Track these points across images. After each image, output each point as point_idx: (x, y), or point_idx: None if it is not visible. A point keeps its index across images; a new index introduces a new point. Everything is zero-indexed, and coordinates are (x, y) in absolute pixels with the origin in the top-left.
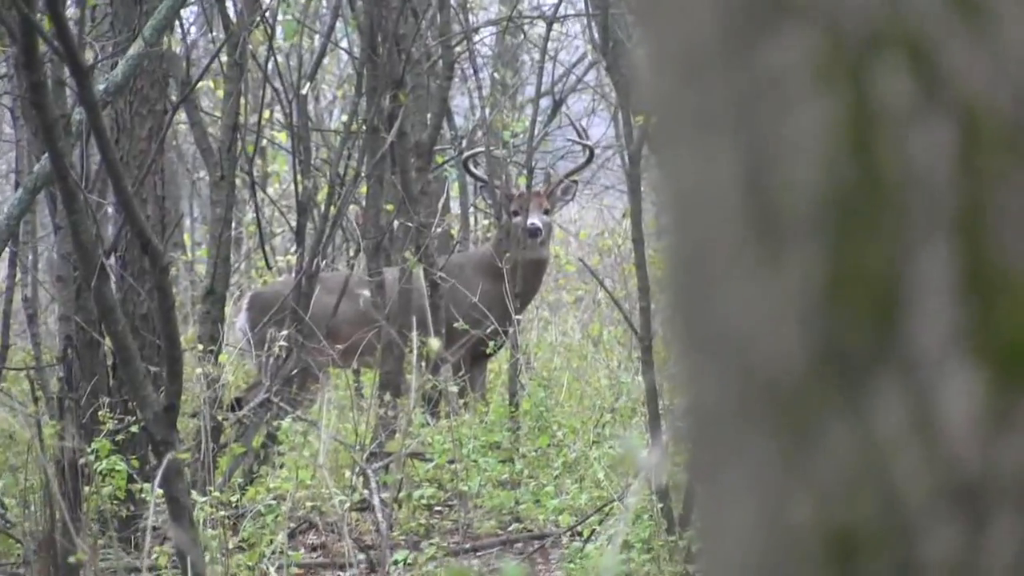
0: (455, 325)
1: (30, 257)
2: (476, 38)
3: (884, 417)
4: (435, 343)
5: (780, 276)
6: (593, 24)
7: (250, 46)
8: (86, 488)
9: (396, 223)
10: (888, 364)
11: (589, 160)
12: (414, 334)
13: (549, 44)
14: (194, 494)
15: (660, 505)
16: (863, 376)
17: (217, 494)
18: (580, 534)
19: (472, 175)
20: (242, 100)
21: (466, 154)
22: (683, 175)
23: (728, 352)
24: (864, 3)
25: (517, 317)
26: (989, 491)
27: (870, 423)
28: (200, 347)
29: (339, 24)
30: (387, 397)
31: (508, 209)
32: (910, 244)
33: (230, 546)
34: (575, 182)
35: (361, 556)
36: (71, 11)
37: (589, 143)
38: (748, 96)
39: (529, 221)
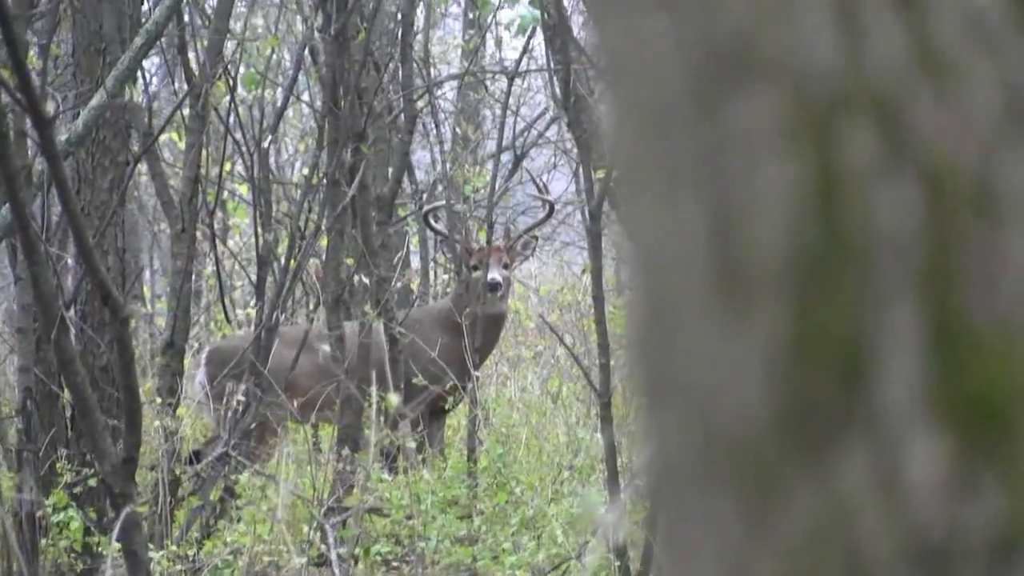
0: (414, 380)
1: None
2: (438, 92)
3: (848, 477)
4: (394, 398)
5: (745, 333)
6: (555, 79)
7: (212, 98)
8: (43, 540)
9: (356, 277)
10: (853, 423)
11: (549, 215)
12: (373, 389)
13: (511, 99)
14: (151, 548)
15: (618, 563)
16: (828, 435)
17: (174, 547)
18: None
19: (432, 229)
20: (203, 152)
21: (426, 208)
22: (648, 230)
23: (691, 408)
24: (829, 63)
25: (476, 373)
26: (954, 553)
27: (834, 483)
28: (159, 400)
29: (301, 77)
30: (345, 452)
31: (468, 263)
32: (876, 303)
33: None
34: (535, 237)
35: None
36: (33, 61)
37: (549, 198)
38: (714, 154)
39: (489, 275)
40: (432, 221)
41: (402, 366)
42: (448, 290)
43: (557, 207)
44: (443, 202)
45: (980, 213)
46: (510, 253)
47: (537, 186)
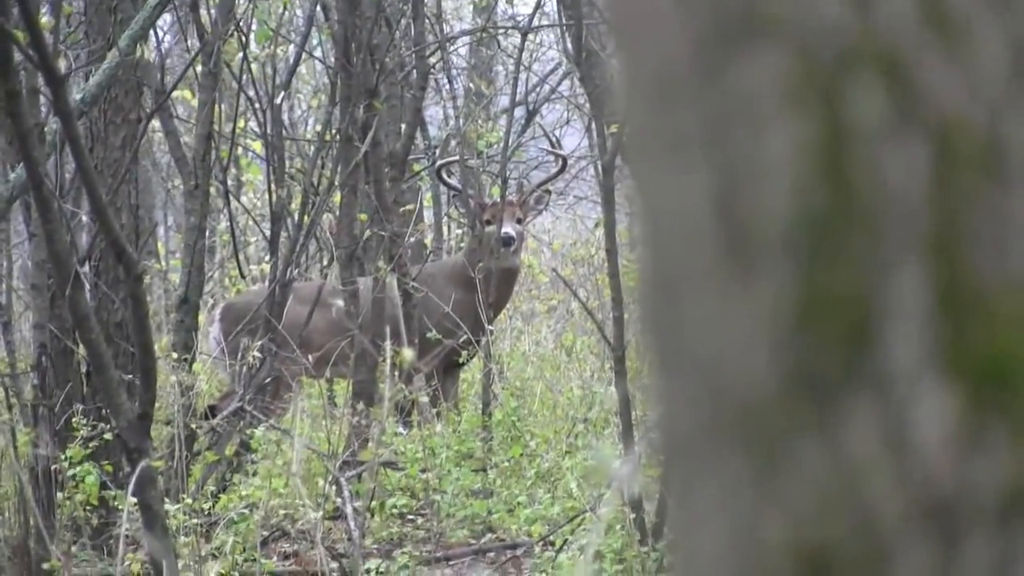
0: (428, 335)
1: (4, 265)
2: (450, 48)
3: (857, 437)
4: (408, 353)
5: (751, 297)
6: (567, 35)
7: (224, 55)
8: (59, 495)
9: (369, 232)
10: (861, 384)
11: (562, 170)
12: (387, 343)
13: (523, 55)
14: (167, 502)
15: (633, 516)
16: (836, 397)
17: (190, 502)
18: (552, 544)
19: (446, 184)
20: (216, 109)
21: (439, 163)
22: (656, 194)
23: (699, 372)
24: (836, 21)
25: (489, 327)
26: (963, 510)
27: (843, 443)
28: (174, 355)
29: (313, 33)
30: (360, 406)
31: (481, 218)
32: (883, 265)
33: (203, 554)
34: (548, 192)
35: (334, 564)
36: (45, 19)
37: (562, 153)
38: (720, 116)
39: (503, 230)
40: (445, 176)
41: (416, 321)
42: (462, 245)
43: (570, 162)
44: (456, 158)
45: (988, 173)
46: (523, 208)
47: (550, 141)
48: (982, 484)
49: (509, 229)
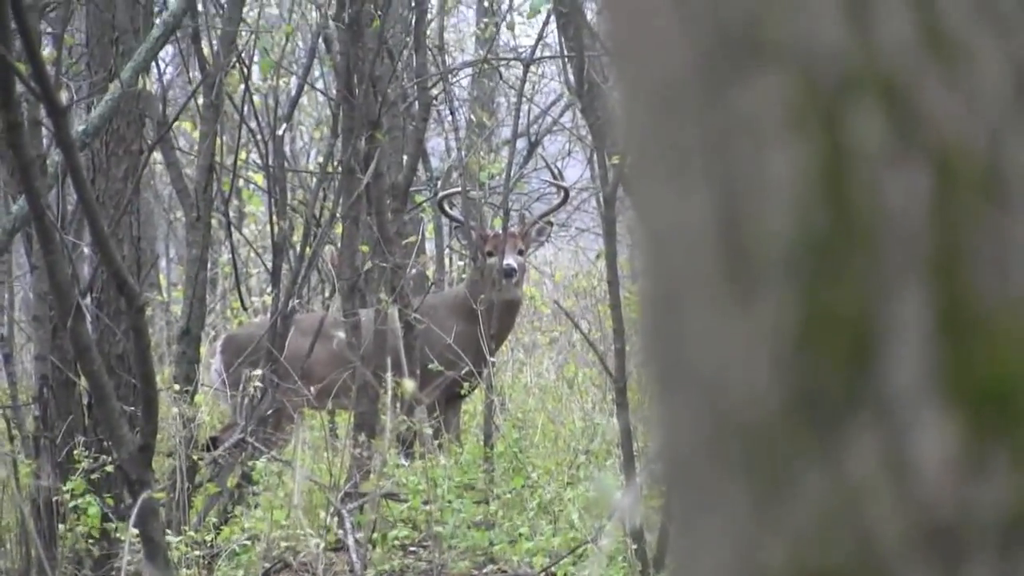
0: (429, 366)
1: (6, 297)
2: (452, 80)
3: (858, 460)
4: (409, 384)
5: (752, 319)
6: (569, 66)
7: (226, 87)
8: (61, 527)
9: (371, 264)
10: (862, 407)
11: (564, 201)
12: (388, 375)
13: (525, 86)
14: (169, 533)
15: (634, 547)
16: (836, 419)
17: (192, 533)
18: (554, 575)
19: (447, 216)
20: (218, 141)
21: (441, 195)
22: (656, 215)
23: (700, 395)
24: (837, 46)
25: (491, 359)
26: (964, 534)
27: (843, 467)
28: (176, 387)
29: (315, 65)
30: (361, 438)
31: (483, 250)
32: (884, 287)
33: None
34: (550, 223)
35: None
36: (47, 51)
37: (564, 184)
38: (721, 138)
39: (504, 262)
40: (447, 208)
41: (417, 352)
42: (463, 276)
43: (572, 193)
44: (458, 189)
45: (989, 196)
46: (525, 239)
47: (552, 172)
48: (983, 507)
49: (511, 261)
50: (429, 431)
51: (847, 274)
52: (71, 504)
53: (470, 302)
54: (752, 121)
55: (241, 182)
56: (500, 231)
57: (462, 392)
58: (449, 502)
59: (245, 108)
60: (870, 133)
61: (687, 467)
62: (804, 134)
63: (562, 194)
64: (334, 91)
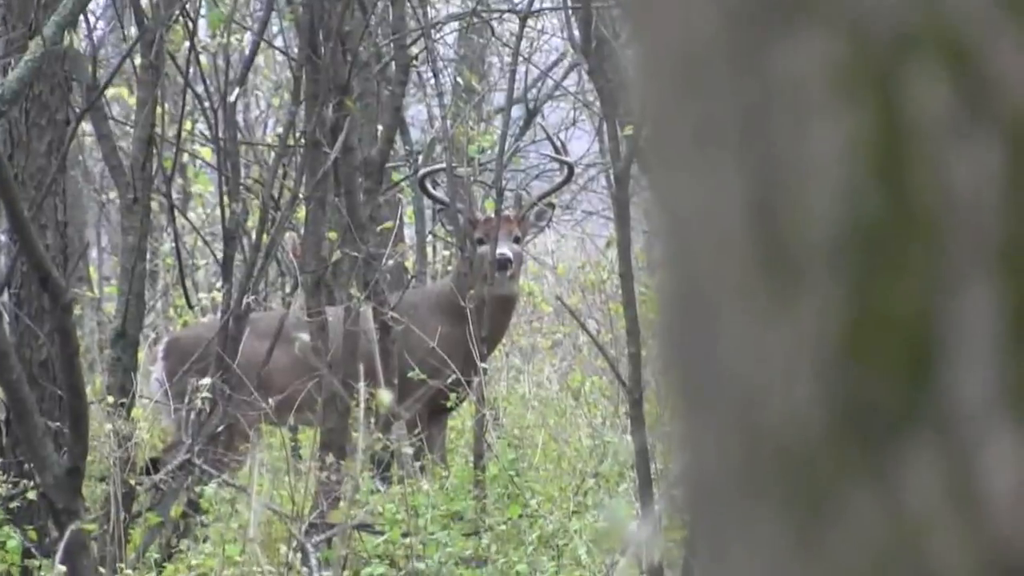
0: (409, 375)
1: None
2: (436, 36)
3: (916, 487)
4: (386, 396)
5: (793, 321)
6: (573, 20)
7: (168, 45)
8: None
9: (340, 254)
10: (921, 424)
11: (568, 179)
12: (361, 385)
13: (522, 43)
14: (102, 572)
15: None
16: (891, 438)
17: (129, 572)
18: None
19: (431, 197)
20: (158, 109)
21: (423, 172)
22: (680, 201)
23: (732, 410)
24: (894, 1)
25: (483, 365)
26: None
27: (899, 494)
28: (109, 399)
29: (273, 19)
30: (329, 459)
31: (472, 237)
32: (947, 283)
33: None
34: (551, 206)
35: None
36: None
37: (568, 160)
38: (757, 109)
39: (498, 251)
40: (430, 187)
41: (395, 358)
42: (449, 269)
43: (577, 170)
44: (443, 165)
45: None
46: (522, 225)
47: (554, 145)
48: None
49: (505, 249)
50: (410, 451)
51: (904, 268)
52: None
53: (457, 299)
54: (793, 88)
55: (186, 157)
56: (492, 215)
57: (448, 405)
58: (432, 534)
59: (190, 70)
60: (932, 102)
61: (715, 494)
62: (854, 103)
63: (565, 171)
64: (295, 50)
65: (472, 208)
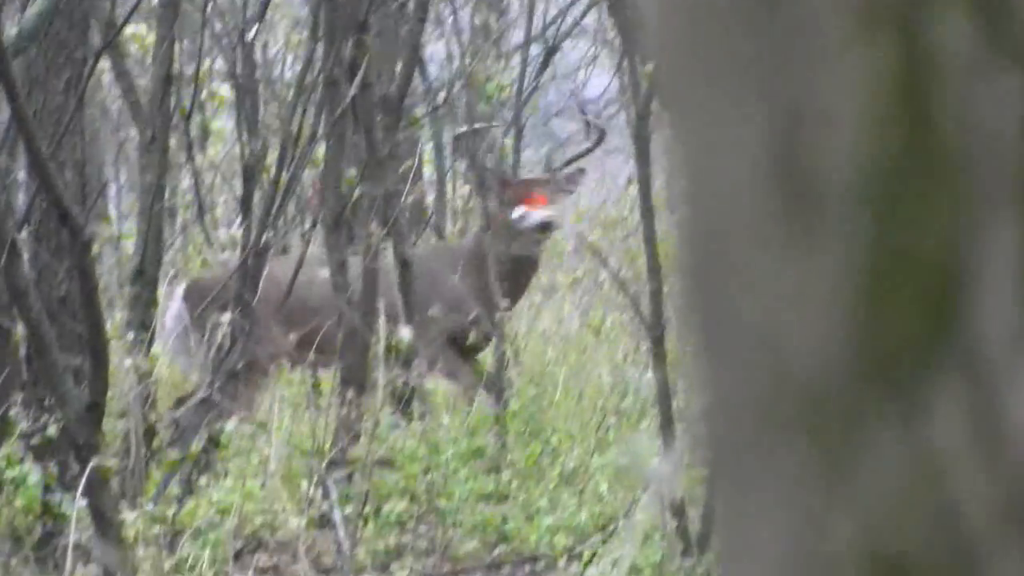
0: (430, 311)
1: None
2: None
3: (941, 425)
4: (406, 332)
5: (816, 259)
6: None
7: None
8: None
9: (359, 191)
10: (946, 362)
11: (598, 143)
12: (381, 320)
13: None
14: (122, 508)
15: (674, 523)
16: (916, 377)
17: (150, 508)
18: (579, 557)
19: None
20: (176, 46)
21: (457, 133)
22: (698, 138)
23: (754, 349)
24: None
25: (503, 302)
26: None
27: (924, 432)
28: (129, 336)
29: None
30: (350, 395)
31: (503, 197)
32: (973, 220)
33: (166, 568)
34: (582, 170)
35: None
36: None
37: (599, 123)
38: (777, 43)
39: (541, 214)
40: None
41: (415, 295)
42: (468, 207)
43: (597, 107)
44: (480, 124)
45: None
46: (552, 188)
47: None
48: None
49: (550, 212)
50: (430, 387)
51: (927, 205)
52: (8, 473)
53: (476, 261)
54: (813, 22)
55: (204, 95)
56: (523, 179)
57: (469, 342)
58: (454, 471)
59: (208, 7)
60: (957, 36)
61: (737, 432)
62: (876, 37)
63: (597, 135)
64: None
65: (502, 168)
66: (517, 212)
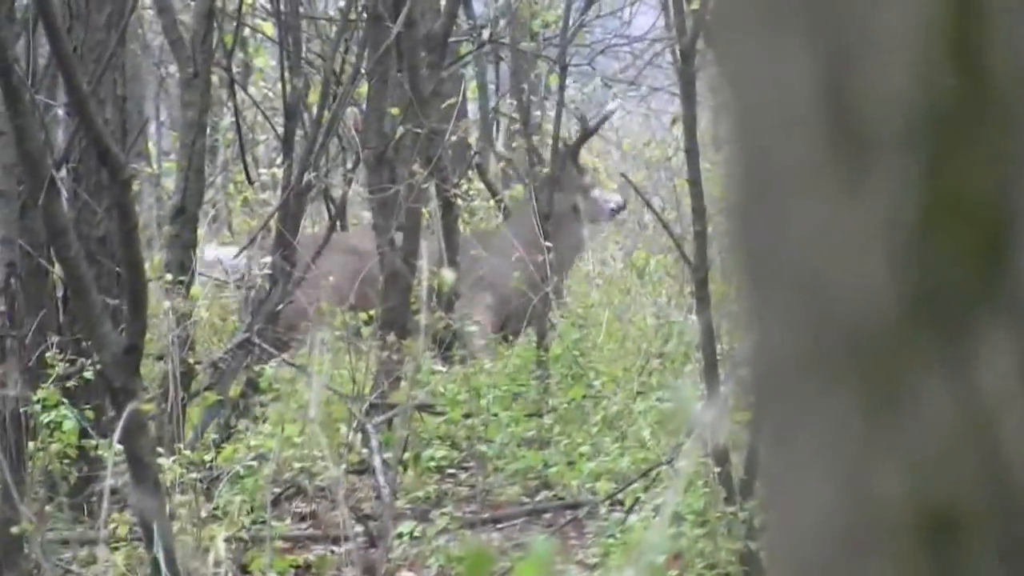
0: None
1: None
2: None
3: (990, 369)
4: (448, 274)
5: (865, 201)
6: None
7: None
8: (31, 444)
9: (402, 130)
10: (995, 306)
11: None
12: (423, 262)
13: None
14: (159, 452)
15: (717, 470)
16: (965, 321)
17: (187, 453)
18: (621, 503)
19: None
20: None
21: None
22: (747, 79)
23: (802, 291)
24: None
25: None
26: None
27: (973, 377)
28: (168, 277)
29: None
30: (390, 338)
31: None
32: (1021, 162)
33: (203, 515)
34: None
35: (359, 528)
36: None
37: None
38: None
39: (614, 199)
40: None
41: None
42: (513, 146)
43: (642, 45)
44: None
45: None
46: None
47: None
48: None
49: (618, 196)
50: (472, 330)
51: (978, 148)
52: (43, 418)
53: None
54: None
55: (247, 31)
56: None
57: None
58: (495, 415)
59: None
60: None
61: (784, 376)
62: None
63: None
64: None
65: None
66: (594, 194)
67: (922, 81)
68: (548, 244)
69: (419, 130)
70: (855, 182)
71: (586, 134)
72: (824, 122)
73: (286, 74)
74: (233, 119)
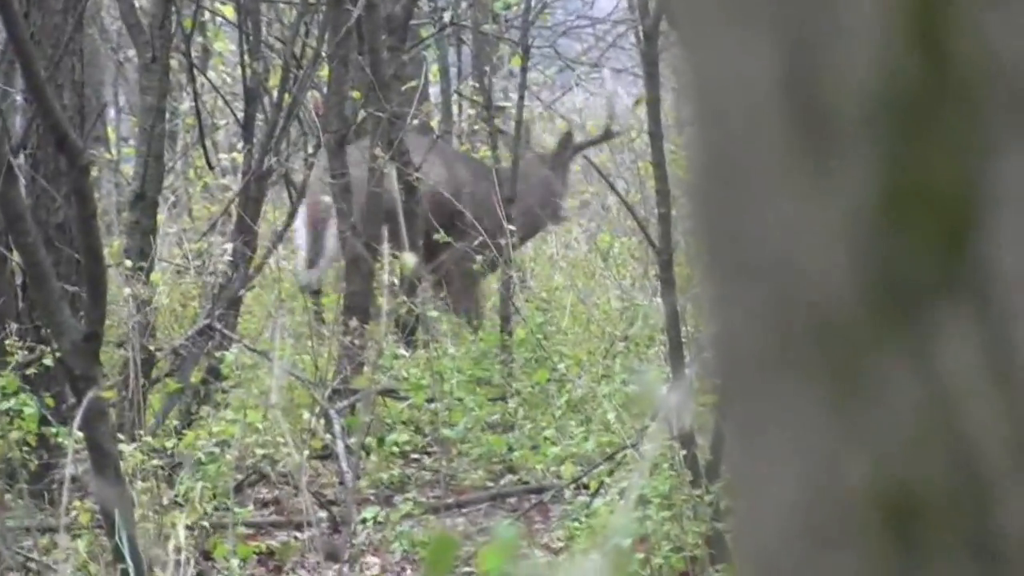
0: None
1: None
2: None
3: (953, 357)
4: (410, 258)
5: (828, 189)
6: None
7: None
8: None
9: (363, 113)
10: (958, 294)
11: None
12: (385, 247)
13: None
14: (120, 439)
15: (683, 453)
16: (928, 308)
17: (149, 439)
18: (586, 487)
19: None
20: None
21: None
22: (709, 65)
23: (764, 280)
24: None
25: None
26: None
27: (936, 364)
28: (127, 263)
29: None
30: (353, 323)
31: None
32: (986, 150)
33: (164, 501)
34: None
35: (322, 514)
36: None
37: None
38: None
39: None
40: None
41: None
42: (474, 127)
43: (606, 27)
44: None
45: None
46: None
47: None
48: None
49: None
50: (434, 314)
51: (941, 135)
52: (3, 405)
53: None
54: None
55: (206, 15)
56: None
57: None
58: (459, 400)
59: None
60: None
61: (748, 366)
62: None
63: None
64: None
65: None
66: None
67: (886, 69)
68: (511, 228)
69: (380, 114)
70: (818, 171)
71: (607, 135)
72: (787, 110)
73: (246, 58)
74: (193, 104)
